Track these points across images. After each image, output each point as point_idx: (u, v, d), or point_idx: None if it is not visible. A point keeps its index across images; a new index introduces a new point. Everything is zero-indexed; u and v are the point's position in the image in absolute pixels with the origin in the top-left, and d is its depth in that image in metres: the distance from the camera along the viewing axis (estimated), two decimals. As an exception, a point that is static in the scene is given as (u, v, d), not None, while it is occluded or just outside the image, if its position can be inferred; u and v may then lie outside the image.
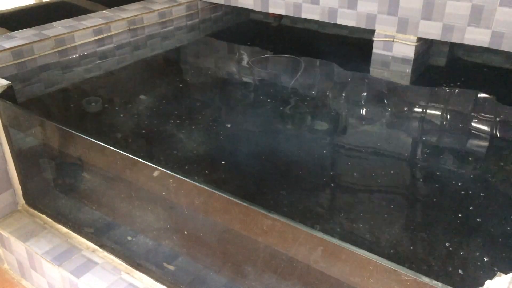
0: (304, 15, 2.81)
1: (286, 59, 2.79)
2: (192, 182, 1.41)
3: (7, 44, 2.30)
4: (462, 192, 1.60)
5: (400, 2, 2.41)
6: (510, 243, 1.37)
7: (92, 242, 1.90)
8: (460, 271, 1.29)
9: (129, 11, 2.87)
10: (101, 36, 2.67)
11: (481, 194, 1.59)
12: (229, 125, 2.04)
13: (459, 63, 2.72)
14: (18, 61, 2.31)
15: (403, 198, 1.60)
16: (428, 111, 2.17)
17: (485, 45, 2.24)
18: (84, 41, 2.59)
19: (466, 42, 2.29)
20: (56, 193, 2.10)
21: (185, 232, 1.58)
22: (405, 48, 2.51)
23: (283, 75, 2.58)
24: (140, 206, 1.72)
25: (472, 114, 2.13)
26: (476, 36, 2.25)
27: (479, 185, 1.64)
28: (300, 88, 2.42)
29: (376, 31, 2.58)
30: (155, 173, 1.50)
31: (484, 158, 1.81)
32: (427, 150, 1.86)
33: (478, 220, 1.47)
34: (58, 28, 2.55)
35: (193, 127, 2.01)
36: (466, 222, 1.47)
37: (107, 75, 2.51)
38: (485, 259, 1.33)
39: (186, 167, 1.75)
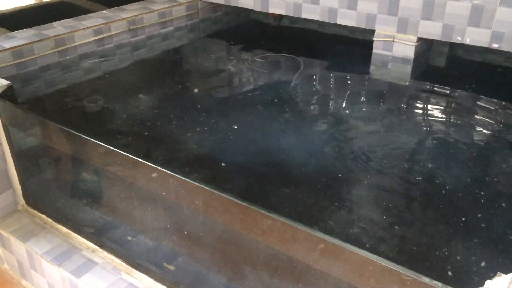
0: (304, 15, 2.81)
1: (285, 59, 2.78)
2: (192, 182, 1.40)
3: (7, 44, 2.30)
4: (458, 193, 1.60)
5: (400, 2, 2.41)
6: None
7: (92, 242, 1.90)
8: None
9: (129, 11, 2.87)
10: (101, 36, 2.67)
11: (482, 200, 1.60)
12: (235, 126, 2.04)
13: (459, 63, 2.72)
14: (18, 61, 2.31)
15: (403, 198, 1.60)
16: (428, 111, 2.17)
17: (485, 45, 2.24)
18: (84, 41, 2.59)
19: (466, 42, 2.29)
20: (56, 193, 2.10)
21: (185, 232, 1.57)
22: (405, 48, 2.51)
23: (282, 75, 2.58)
24: (140, 206, 1.72)
25: (473, 113, 2.13)
26: (476, 36, 2.25)
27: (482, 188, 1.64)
28: (299, 88, 2.42)
29: (376, 31, 2.58)
30: (155, 173, 1.50)
31: (484, 157, 1.81)
32: (426, 150, 1.86)
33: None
34: (58, 28, 2.55)
35: (198, 129, 2.02)
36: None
37: (107, 75, 2.51)
38: None
39: (187, 167, 1.76)
